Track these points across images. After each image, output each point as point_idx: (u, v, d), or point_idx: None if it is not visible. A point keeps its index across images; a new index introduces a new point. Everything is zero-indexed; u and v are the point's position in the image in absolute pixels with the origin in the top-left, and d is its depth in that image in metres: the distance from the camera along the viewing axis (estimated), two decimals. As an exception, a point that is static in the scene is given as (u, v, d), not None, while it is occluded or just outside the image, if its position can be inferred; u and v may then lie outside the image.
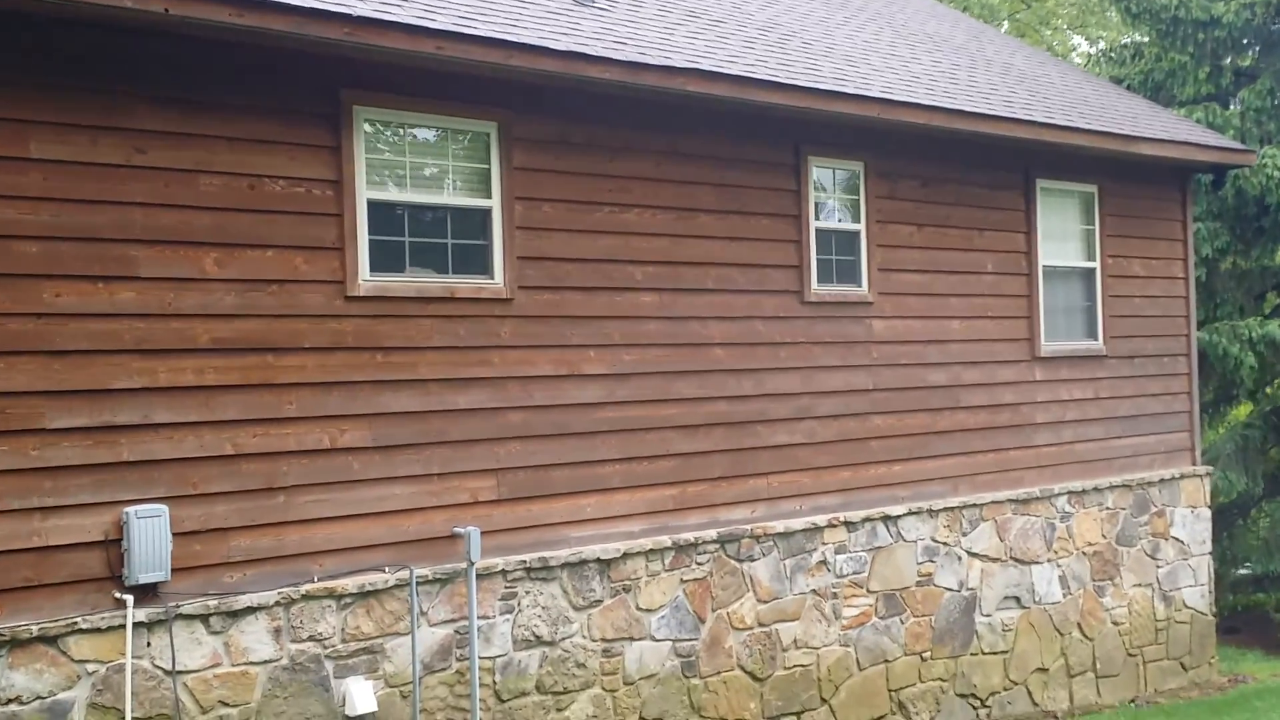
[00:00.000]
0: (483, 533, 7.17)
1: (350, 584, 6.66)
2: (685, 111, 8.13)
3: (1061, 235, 11.00)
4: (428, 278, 7.05)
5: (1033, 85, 11.37)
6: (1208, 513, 12.23)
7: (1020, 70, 11.92)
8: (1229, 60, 16.08)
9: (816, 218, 9.03)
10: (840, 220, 9.24)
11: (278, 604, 6.41)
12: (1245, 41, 16.09)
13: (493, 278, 7.28)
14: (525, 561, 7.34)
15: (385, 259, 6.87)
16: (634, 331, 7.95)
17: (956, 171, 9.97)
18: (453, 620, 7.04)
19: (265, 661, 6.38)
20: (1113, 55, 18.89)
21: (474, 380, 7.21)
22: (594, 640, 7.65)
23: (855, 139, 9.18)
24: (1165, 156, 11.16)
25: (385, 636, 6.78)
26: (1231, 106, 16.14)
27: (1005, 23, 30.56)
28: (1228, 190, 14.75)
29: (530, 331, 7.45)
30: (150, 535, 5.89)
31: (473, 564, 6.98)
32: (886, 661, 9.31)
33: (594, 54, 7.20)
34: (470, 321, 7.19)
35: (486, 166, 7.27)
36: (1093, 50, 21.15)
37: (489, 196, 7.27)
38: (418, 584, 6.90)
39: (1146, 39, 17.32)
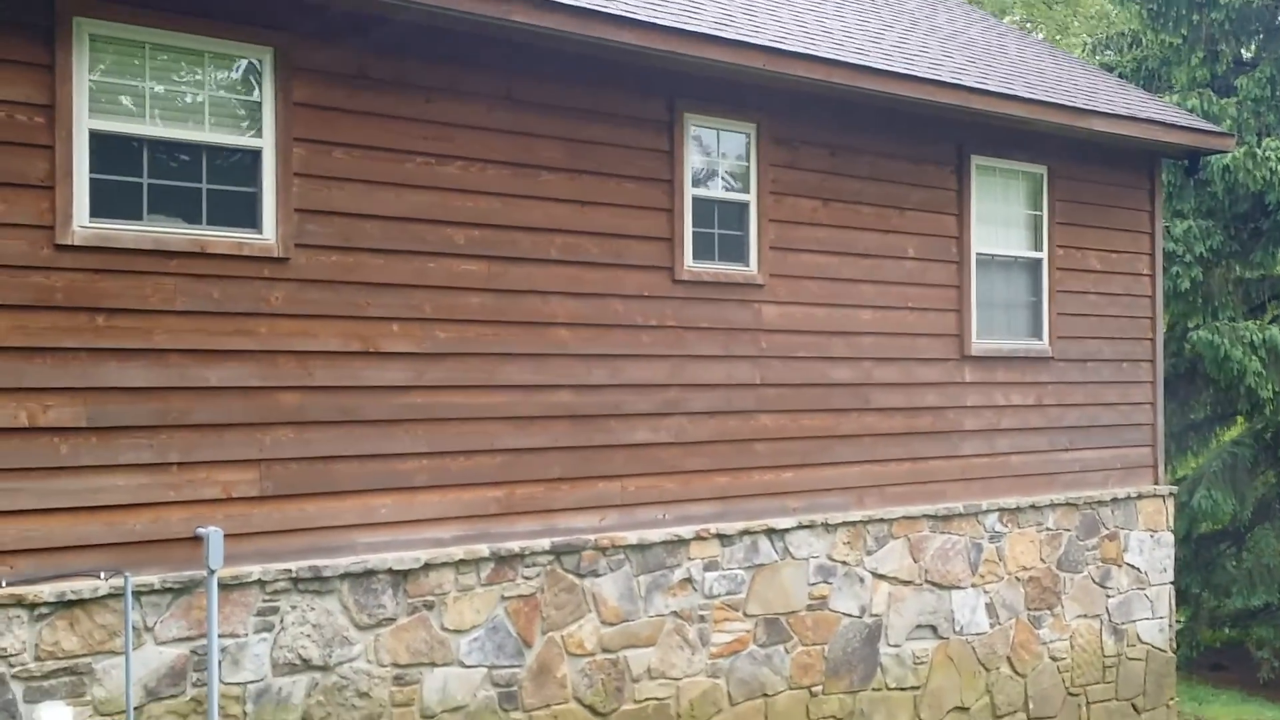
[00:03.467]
0: (239, 535, 6.04)
1: (47, 591, 5.52)
2: (526, 50, 6.97)
3: (1003, 220, 9.75)
4: (172, 228, 5.92)
5: (978, 54, 10.12)
6: (1170, 537, 10.91)
7: (969, 38, 10.67)
8: (1226, 46, 14.70)
9: (694, 184, 7.84)
10: (726, 189, 8.05)
11: (-55, 613, 5.30)
12: (1251, 27, 14.71)
13: (261, 232, 6.14)
14: (291, 570, 6.18)
15: (116, 203, 5.74)
16: (452, 304, 6.79)
17: (873, 142, 8.75)
18: (188, 638, 5.90)
19: (-74, 682, 5.27)
20: (1109, 44, 17.60)
21: (232, 353, 6.07)
22: (382, 665, 6.48)
23: (746, 97, 7.98)
24: (1125, 135, 9.87)
25: (95, 655, 5.64)
26: (1232, 95, 14.78)
27: (1041, 31, 29.24)
28: (1218, 186, 13.41)
29: (311, 298, 6.30)
30: None
31: (213, 571, 5.83)
32: (766, 696, 8.08)
33: (386, -31, 6.05)
34: (228, 283, 6.05)
35: (257, 100, 6.14)
36: (1090, 40, 19.76)
37: (259, 135, 6.13)
38: (144, 594, 5.76)
39: (1137, 24, 15.99)
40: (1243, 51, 15.10)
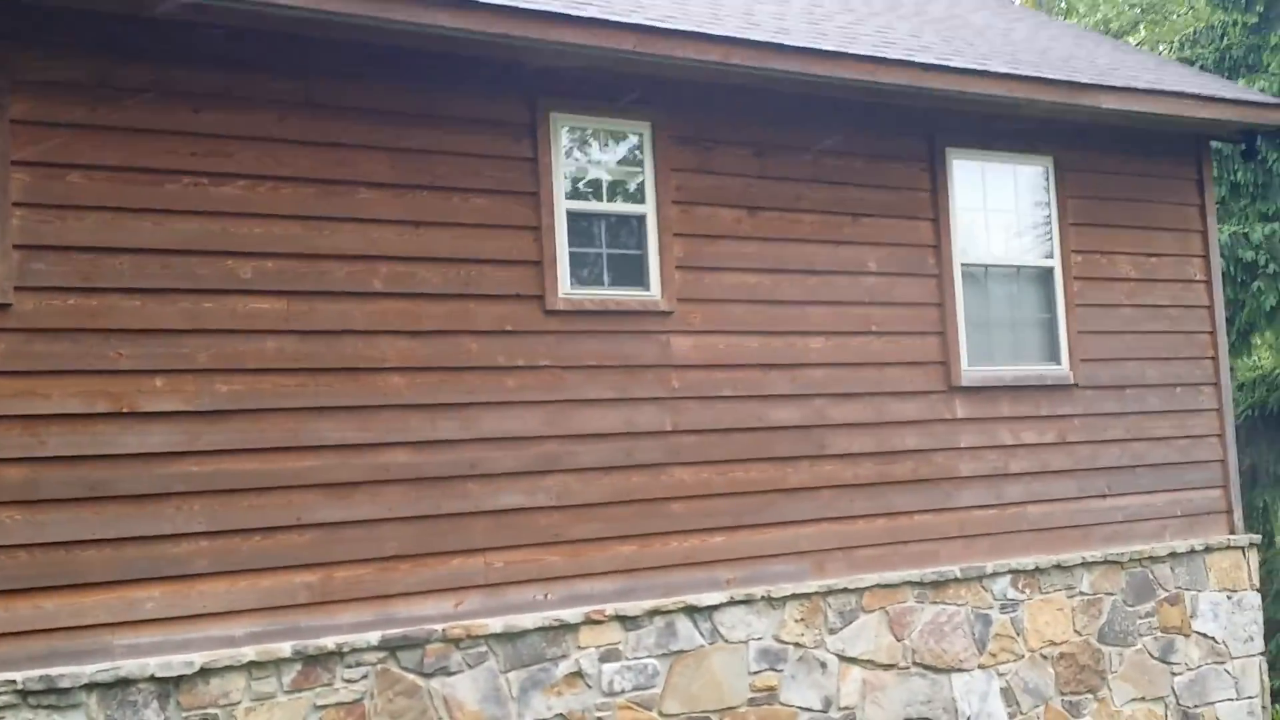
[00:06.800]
0: (-51, 640, 4.97)
1: None
2: (326, 46, 5.88)
3: (998, 224, 8.18)
4: None
5: (965, 35, 8.61)
6: (1255, 598, 8.94)
7: (964, 21, 9.17)
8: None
9: (572, 197, 6.58)
10: (615, 199, 6.76)
11: None
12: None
13: (-33, 275, 5.14)
14: (16, 681, 5.06)
15: None
16: (238, 351, 5.65)
17: (813, 138, 7.35)
18: (-125, 772, 4.83)
19: None
20: (1197, 40, 15.79)
21: (-66, 421, 5.05)
22: (149, 797, 5.29)
23: (635, 90, 6.71)
24: (1145, 113, 8.19)
25: None
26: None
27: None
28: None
29: (41, 351, 5.24)
30: None
31: (-104, 688, 4.76)
32: (698, 816, 6.59)
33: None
34: (-74, 337, 5.05)
35: (-39, 120, 5.17)
36: (1176, 39, 17.94)
37: (-37, 161, 5.16)
38: None
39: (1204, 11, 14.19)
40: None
